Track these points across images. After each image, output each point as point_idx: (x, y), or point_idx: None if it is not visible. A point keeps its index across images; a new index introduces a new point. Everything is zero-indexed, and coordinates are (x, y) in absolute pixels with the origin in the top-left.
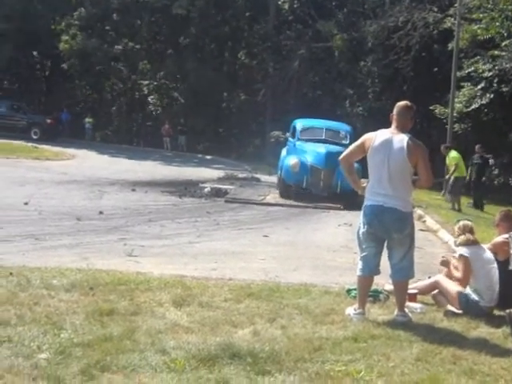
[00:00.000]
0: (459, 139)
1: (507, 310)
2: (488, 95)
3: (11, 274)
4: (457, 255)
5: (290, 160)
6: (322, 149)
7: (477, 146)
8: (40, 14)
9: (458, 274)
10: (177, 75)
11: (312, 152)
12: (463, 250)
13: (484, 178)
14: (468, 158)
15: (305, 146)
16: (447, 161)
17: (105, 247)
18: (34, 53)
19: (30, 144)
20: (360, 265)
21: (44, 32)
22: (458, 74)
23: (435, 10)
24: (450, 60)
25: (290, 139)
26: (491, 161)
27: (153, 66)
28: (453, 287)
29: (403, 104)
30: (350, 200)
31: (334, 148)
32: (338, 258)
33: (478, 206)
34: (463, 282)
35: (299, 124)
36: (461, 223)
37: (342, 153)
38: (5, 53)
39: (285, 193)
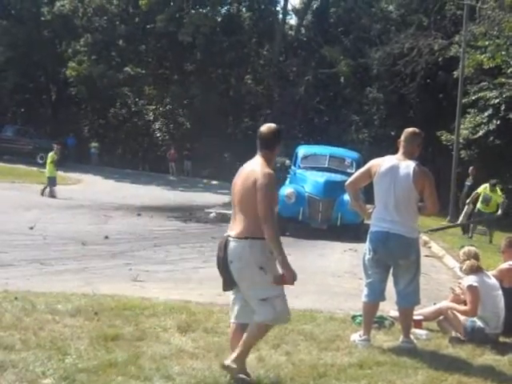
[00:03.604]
0: (465, 166)
1: None
2: (495, 122)
3: (16, 298)
4: (463, 282)
5: (285, 190)
6: (321, 177)
7: (470, 168)
8: (46, 40)
9: (464, 307)
10: (182, 100)
11: (310, 181)
12: (471, 280)
13: (468, 201)
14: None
15: (305, 175)
16: (491, 195)
17: (110, 272)
18: (42, 79)
19: (35, 168)
20: (365, 291)
21: (50, 58)
22: (464, 100)
23: (441, 36)
24: (456, 87)
25: (292, 167)
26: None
27: (158, 92)
28: (458, 314)
29: (411, 130)
30: (352, 234)
31: (335, 177)
32: (343, 283)
33: (467, 231)
34: (472, 312)
35: (301, 151)
36: (466, 249)
37: (344, 182)
38: (12, 78)
39: (280, 228)
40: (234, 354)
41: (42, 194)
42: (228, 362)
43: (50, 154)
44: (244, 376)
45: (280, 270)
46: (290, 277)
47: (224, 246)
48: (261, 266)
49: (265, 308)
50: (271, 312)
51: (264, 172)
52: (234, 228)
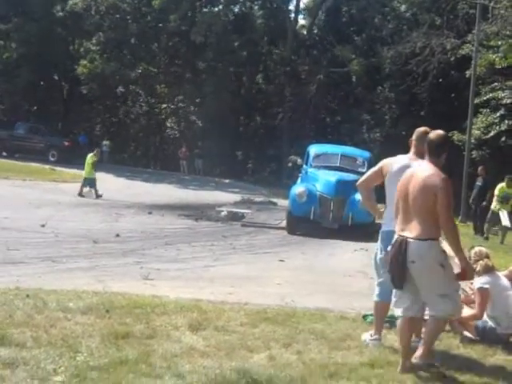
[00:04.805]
0: (476, 166)
1: None
2: (506, 122)
3: (28, 296)
4: (474, 283)
5: (296, 189)
6: (332, 176)
7: (479, 168)
8: (59, 37)
9: (471, 312)
10: (194, 99)
11: (322, 180)
12: (482, 281)
13: (485, 203)
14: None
15: (317, 174)
16: (511, 191)
17: (121, 270)
18: (54, 76)
19: (47, 166)
20: (377, 290)
21: (63, 55)
22: (476, 100)
23: (453, 36)
24: (468, 86)
25: (304, 166)
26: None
27: (170, 90)
28: (469, 314)
29: (422, 130)
30: (363, 233)
31: (347, 176)
32: (354, 283)
33: (479, 231)
34: (479, 316)
35: (313, 150)
36: (476, 249)
37: (355, 181)
38: (24, 76)
39: (291, 227)
40: (419, 352)
41: (84, 195)
42: (414, 360)
43: (90, 155)
44: (432, 363)
45: (455, 268)
46: (470, 272)
47: (404, 248)
48: (441, 264)
49: (444, 302)
50: (450, 306)
51: (442, 178)
52: (412, 229)
